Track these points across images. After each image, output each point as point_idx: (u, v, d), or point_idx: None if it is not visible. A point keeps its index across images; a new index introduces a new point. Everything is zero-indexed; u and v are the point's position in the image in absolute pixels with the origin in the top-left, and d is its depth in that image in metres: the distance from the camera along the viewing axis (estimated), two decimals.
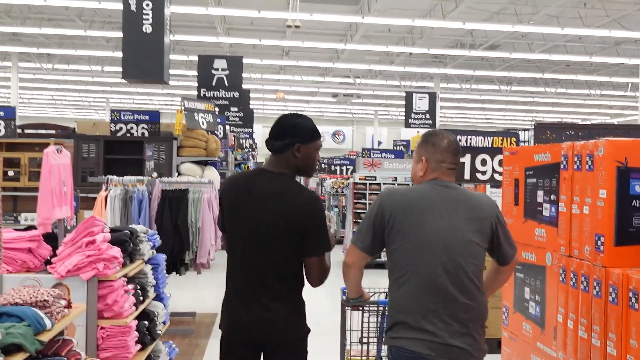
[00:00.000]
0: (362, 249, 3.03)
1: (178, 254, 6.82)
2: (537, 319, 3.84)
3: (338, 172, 19.29)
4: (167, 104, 37.88)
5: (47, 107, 42.89)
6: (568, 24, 17.28)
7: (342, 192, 15.76)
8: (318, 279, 3.08)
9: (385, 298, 3.70)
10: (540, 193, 3.85)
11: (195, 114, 11.03)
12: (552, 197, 3.69)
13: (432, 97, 22.56)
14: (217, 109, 16.04)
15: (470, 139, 6.82)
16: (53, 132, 16.00)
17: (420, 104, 22.37)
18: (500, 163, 6.85)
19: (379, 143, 40.97)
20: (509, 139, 6.86)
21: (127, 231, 4.65)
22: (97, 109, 42.31)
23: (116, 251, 4.27)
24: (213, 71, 15.97)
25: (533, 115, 41.52)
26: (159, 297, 5.28)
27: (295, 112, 3.26)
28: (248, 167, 18.11)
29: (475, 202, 3.05)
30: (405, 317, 2.91)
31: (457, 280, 2.89)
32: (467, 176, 6.81)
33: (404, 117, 40.12)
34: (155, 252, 5.29)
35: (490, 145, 6.84)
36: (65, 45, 22.89)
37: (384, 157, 12.53)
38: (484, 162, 6.83)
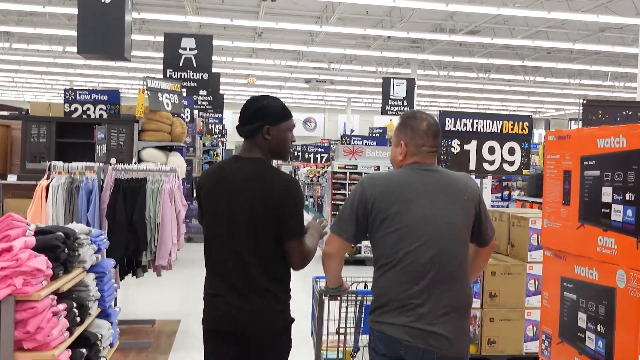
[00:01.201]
0: (345, 238, 2.98)
1: (133, 254, 5.79)
2: (599, 356, 2.91)
3: (312, 160, 18.28)
4: (134, 88, 36.42)
5: (7, 90, 41.09)
6: (554, 7, 16.56)
7: (318, 181, 14.79)
8: (299, 263, 3.00)
9: (365, 288, 3.74)
10: (606, 190, 2.90)
11: (159, 95, 10.03)
12: (628, 195, 2.75)
13: (410, 83, 21.70)
14: (184, 91, 15.01)
15: (477, 123, 5.88)
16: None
17: (398, 90, 21.51)
18: (511, 151, 5.93)
19: (352, 131, 40.18)
20: (521, 123, 5.93)
21: (60, 233, 3.62)
22: (61, 92, 40.57)
23: (41, 261, 3.23)
24: (180, 51, 14.86)
25: (507, 105, 41.13)
26: (104, 314, 4.26)
27: (263, 94, 3.13)
28: (217, 153, 17.08)
29: (458, 184, 2.99)
30: (387, 302, 2.87)
31: (443, 267, 2.85)
32: (472, 166, 5.89)
33: (377, 105, 39.58)
34: (100, 257, 4.27)
35: (499, 131, 5.91)
36: (24, 22, 21.48)
37: (366, 144, 11.61)
38: (491, 150, 5.91)
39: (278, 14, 19.63)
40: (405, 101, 21.47)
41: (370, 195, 2.93)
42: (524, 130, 5.93)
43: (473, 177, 8.86)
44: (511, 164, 5.92)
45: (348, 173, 10.89)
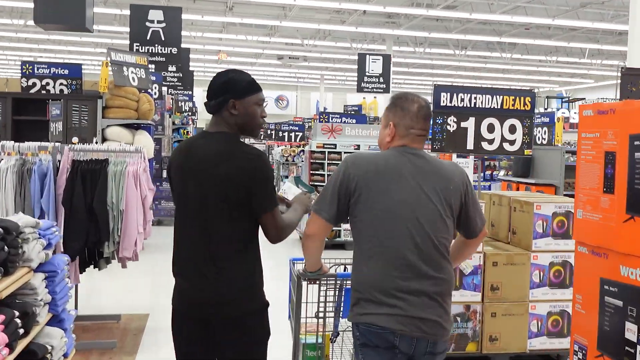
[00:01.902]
0: (327, 219, 2.89)
1: (94, 245, 5.18)
2: None
3: (286, 139, 17.65)
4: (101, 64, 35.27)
5: None
6: None
7: (293, 160, 14.20)
8: (275, 235, 2.88)
9: (345, 271, 3.64)
10: None
11: (125, 69, 9.35)
12: None
13: (387, 60, 21.14)
14: (152, 67, 14.27)
15: (475, 98, 5.34)
16: None
17: (374, 66, 20.93)
18: (512, 129, 5.41)
19: (325, 109, 39.63)
20: (522, 98, 5.40)
21: None
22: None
23: None
24: (147, 23, 14.07)
25: (482, 83, 40.83)
26: (57, 319, 3.66)
27: (230, 68, 3.01)
28: (187, 132, 16.41)
29: (444, 172, 2.90)
30: (372, 292, 2.77)
31: (426, 253, 2.78)
32: (469, 146, 5.36)
33: (350, 82, 39.08)
34: (51, 253, 3.65)
35: (499, 106, 5.38)
36: None
37: (345, 122, 11.01)
38: (491, 128, 5.38)
39: None
40: (381, 78, 20.92)
41: (353, 174, 2.83)
42: (525, 106, 5.39)
43: (468, 158, 8.29)
44: (512, 143, 5.41)
45: (327, 152, 10.31)
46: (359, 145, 10.21)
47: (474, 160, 13.31)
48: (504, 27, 23.82)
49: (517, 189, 10.50)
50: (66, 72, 9.45)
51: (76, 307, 5.55)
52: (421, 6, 20.10)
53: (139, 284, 7.82)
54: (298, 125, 18.69)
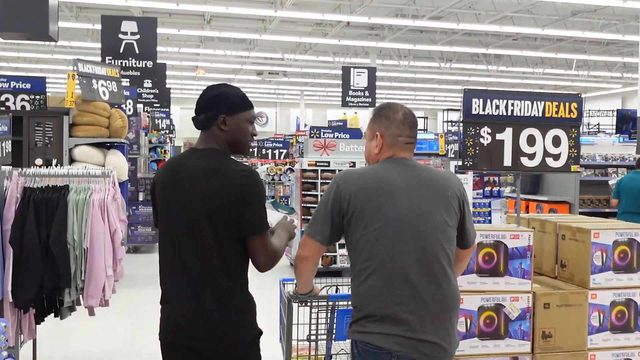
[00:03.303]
0: (320, 241, 2.81)
1: (51, 293, 4.20)
2: None
3: (270, 157, 16.74)
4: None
5: None
6: None
7: (280, 179, 13.26)
8: (264, 263, 2.72)
9: (336, 292, 3.68)
10: None
11: (94, 81, 8.44)
12: None
13: (372, 73, 20.41)
14: (127, 82, 13.36)
15: (512, 104, 4.47)
16: None
17: (359, 79, 20.19)
18: (556, 141, 4.55)
19: (305, 125, 38.91)
20: (567, 104, 4.53)
21: None
22: None
23: None
24: (120, 35, 13.11)
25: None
26: None
27: (220, 82, 2.91)
28: (165, 151, 15.45)
29: (440, 180, 2.84)
30: (372, 311, 2.69)
31: (428, 269, 2.70)
32: (507, 162, 4.48)
33: (331, 98, 38.48)
34: None
35: (540, 114, 4.51)
36: None
37: (338, 137, 10.10)
38: (531, 141, 4.51)
39: None
40: (366, 92, 20.19)
41: (345, 192, 2.77)
42: (571, 114, 4.53)
43: (467, 173, 7.46)
44: (556, 157, 4.55)
45: (319, 171, 9.39)
46: (354, 162, 9.34)
47: (473, 176, 12.58)
48: (490, 38, 23.23)
49: (527, 207, 9.66)
50: (28, 86, 8.55)
51: None
52: (406, 17, 19.41)
53: (115, 326, 6.78)
54: (281, 142, 17.83)
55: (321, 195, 10.10)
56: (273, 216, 3.16)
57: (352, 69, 20.28)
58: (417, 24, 19.48)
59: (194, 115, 2.82)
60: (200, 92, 2.84)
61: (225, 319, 2.66)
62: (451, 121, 39.20)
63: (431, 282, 2.71)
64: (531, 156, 4.50)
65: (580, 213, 8.66)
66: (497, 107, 4.44)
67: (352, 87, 20.15)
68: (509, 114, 4.46)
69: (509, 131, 4.46)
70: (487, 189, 13.06)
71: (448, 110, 39.59)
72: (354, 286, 2.80)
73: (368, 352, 2.68)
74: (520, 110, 4.47)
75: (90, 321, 6.43)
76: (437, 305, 2.71)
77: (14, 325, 4.04)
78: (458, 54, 25.56)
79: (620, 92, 34.94)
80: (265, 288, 5.88)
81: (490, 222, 12.55)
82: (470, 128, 4.41)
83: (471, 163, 4.43)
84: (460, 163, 12.10)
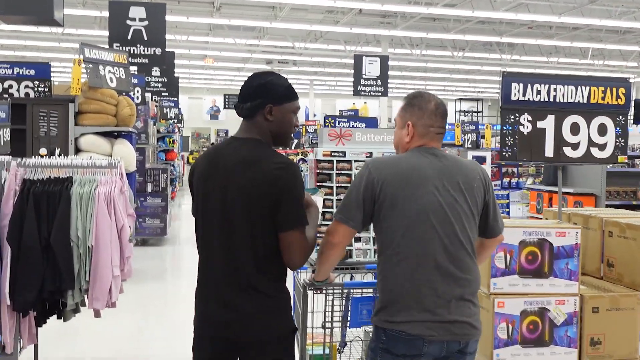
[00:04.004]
0: (353, 226, 2.80)
1: (53, 295, 3.86)
2: None
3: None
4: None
5: None
6: None
7: None
8: (299, 259, 2.66)
9: (351, 279, 3.74)
10: None
11: (101, 68, 8.10)
12: None
13: (384, 61, 19.94)
14: (135, 69, 13.05)
15: (554, 90, 4.09)
16: None
17: (371, 68, 19.75)
18: (602, 130, 4.17)
19: (314, 115, 38.56)
20: (614, 90, 4.15)
21: None
22: None
23: None
24: (129, 21, 12.79)
25: (475, 86, 39.86)
26: None
27: (266, 70, 2.93)
28: (173, 140, 15.12)
29: (467, 170, 2.87)
30: (400, 298, 2.73)
31: (455, 256, 2.76)
32: (548, 152, 4.11)
33: (341, 87, 38.07)
34: None
35: (585, 100, 4.13)
36: None
37: (354, 126, 9.68)
38: (575, 129, 4.13)
39: None
40: (378, 80, 19.77)
41: (378, 178, 2.78)
42: (619, 100, 4.15)
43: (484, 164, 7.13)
44: (602, 147, 4.17)
45: (335, 161, 9.01)
46: (371, 153, 8.94)
47: (491, 167, 12.19)
48: (504, 26, 22.75)
49: (550, 200, 9.27)
50: (32, 72, 8.20)
51: None
52: (420, 4, 18.97)
53: (122, 324, 6.42)
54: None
55: (337, 187, 9.83)
56: None
57: (364, 58, 19.87)
58: (432, 11, 19.03)
59: (237, 102, 2.80)
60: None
61: (258, 311, 2.64)
62: (463, 111, 38.75)
63: (458, 267, 2.75)
64: (575, 146, 4.14)
65: (607, 206, 8.26)
66: (539, 92, 4.07)
67: (364, 76, 19.75)
68: (551, 100, 4.09)
69: (550, 119, 4.09)
70: (506, 180, 12.70)
71: (460, 100, 39.11)
72: (381, 272, 2.82)
73: (399, 340, 2.70)
74: (563, 96, 4.10)
75: (95, 319, 6.14)
76: (464, 288, 2.76)
77: (13, 330, 3.72)
78: (471, 42, 25.07)
79: (636, 82, 34.39)
80: None
81: (508, 214, 12.19)
82: (509, 115, 4.04)
83: (510, 153, 4.07)
84: (477, 154, 11.80)
